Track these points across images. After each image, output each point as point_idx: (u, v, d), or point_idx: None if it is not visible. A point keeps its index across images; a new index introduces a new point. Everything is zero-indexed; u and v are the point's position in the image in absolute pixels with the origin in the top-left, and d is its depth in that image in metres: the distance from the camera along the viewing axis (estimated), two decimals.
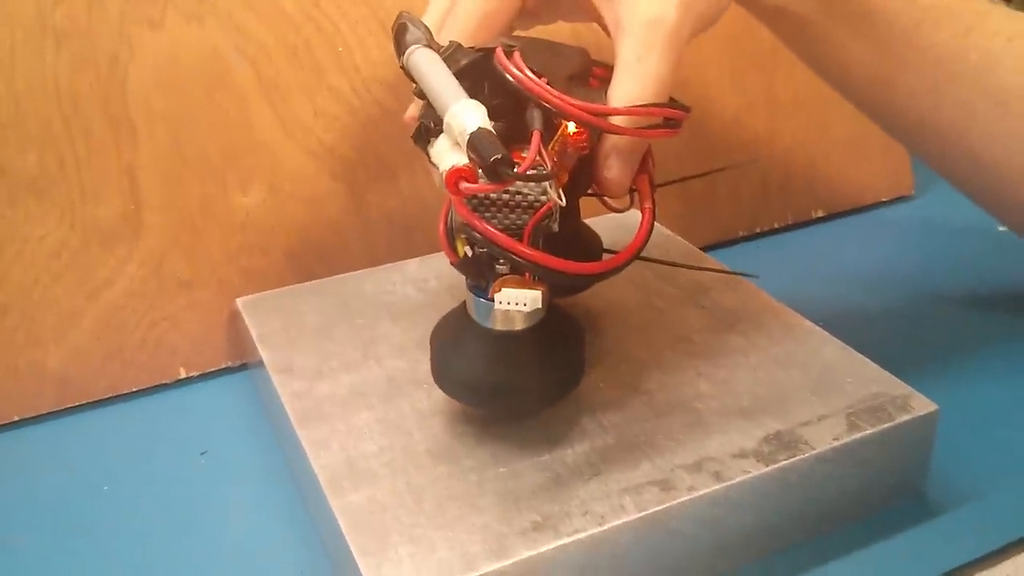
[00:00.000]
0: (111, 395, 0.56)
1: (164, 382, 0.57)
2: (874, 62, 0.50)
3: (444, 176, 0.36)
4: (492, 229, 0.37)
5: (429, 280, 0.57)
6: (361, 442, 0.43)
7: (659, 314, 0.52)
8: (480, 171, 0.35)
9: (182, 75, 0.54)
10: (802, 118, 0.72)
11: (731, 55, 0.69)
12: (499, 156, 0.34)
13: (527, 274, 0.39)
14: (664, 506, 0.39)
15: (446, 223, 0.41)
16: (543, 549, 0.37)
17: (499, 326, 0.41)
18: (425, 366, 0.43)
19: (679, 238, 0.60)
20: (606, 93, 0.40)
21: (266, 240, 0.58)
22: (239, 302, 0.55)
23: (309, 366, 0.49)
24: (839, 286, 0.64)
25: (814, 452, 0.41)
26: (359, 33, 0.58)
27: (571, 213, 0.46)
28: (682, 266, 0.55)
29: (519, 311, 0.39)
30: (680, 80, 0.40)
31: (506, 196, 0.37)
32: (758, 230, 0.72)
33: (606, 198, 0.44)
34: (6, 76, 0.51)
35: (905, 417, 0.43)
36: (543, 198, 0.37)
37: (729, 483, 0.40)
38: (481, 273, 0.40)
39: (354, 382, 0.47)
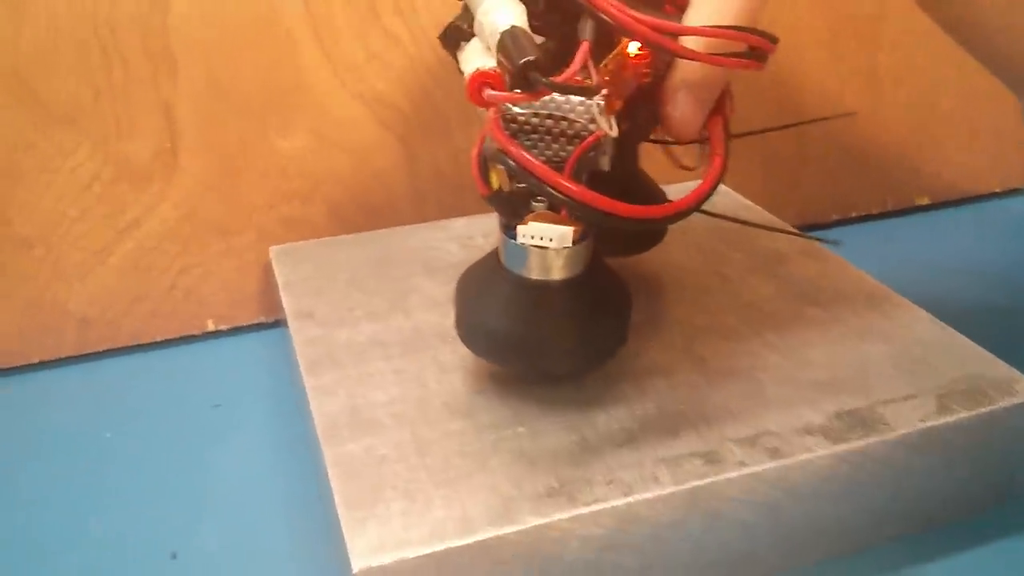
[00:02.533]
0: (133, 343, 0.52)
1: (191, 333, 0.53)
2: None
3: (467, 82, 0.31)
4: (528, 156, 0.32)
5: (475, 237, 0.52)
6: (371, 391, 0.38)
7: (725, 281, 0.46)
8: (508, 76, 0.30)
9: (228, 8, 0.51)
10: (907, 95, 0.65)
11: (829, 20, 0.62)
12: (530, 59, 0.29)
13: (564, 212, 0.33)
14: (706, 481, 0.33)
15: (480, 149, 0.36)
16: (555, 518, 0.31)
17: (533, 274, 0.36)
18: None
19: (759, 208, 0.54)
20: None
21: (308, 188, 0.54)
22: (272, 250, 0.51)
23: (330, 314, 0.44)
24: (941, 279, 0.57)
25: (895, 434, 0.35)
26: None
27: (627, 155, 0.41)
28: (751, 224, 0.48)
29: (548, 248, 0.33)
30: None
31: (549, 122, 0.32)
32: (853, 214, 0.65)
33: (671, 149, 0.39)
34: (47, 1, 0.48)
35: (1008, 402, 0.36)
36: (591, 127, 0.32)
37: (788, 461, 0.34)
38: (515, 211, 0.35)
39: (375, 331, 0.43)
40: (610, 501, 0.32)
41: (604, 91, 0.32)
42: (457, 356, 0.40)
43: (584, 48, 0.31)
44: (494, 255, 0.38)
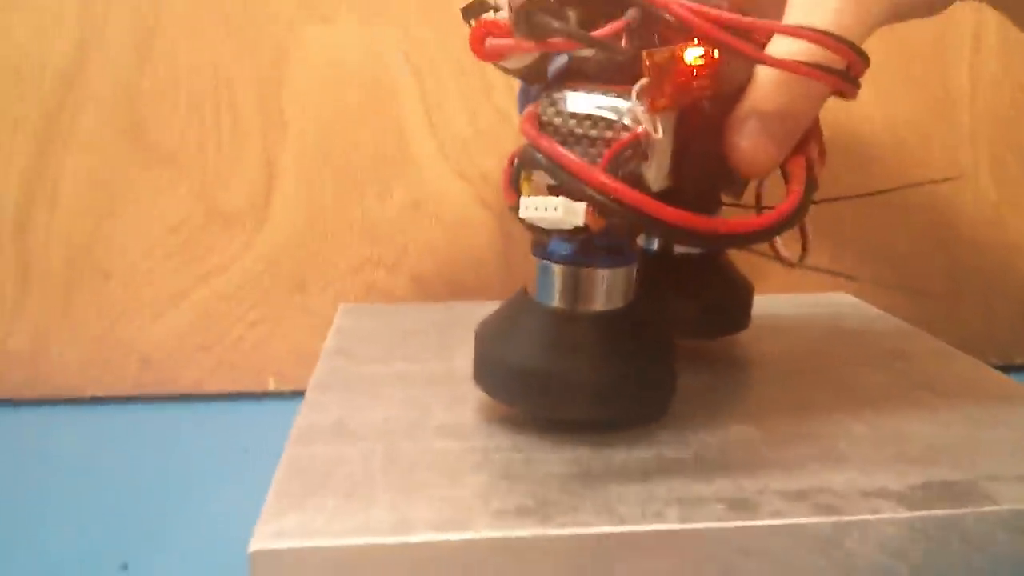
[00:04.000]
0: (190, 392, 0.50)
1: (250, 390, 0.50)
2: None
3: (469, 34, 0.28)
4: (561, 149, 0.28)
5: None
6: (367, 411, 0.33)
7: (826, 367, 0.39)
8: (511, 16, 0.27)
9: (344, 76, 0.51)
10: None
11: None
12: None
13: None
14: (724, 525, 0.25)
15: (513, 160, 0.32)
16: (511, 534, 0.25)
17: (561, 303, 0.31)
18: None
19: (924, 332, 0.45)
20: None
21: (395, 256, 0.52)
22: (341, 306, 0.48)
23: (367, 354, 0.40)
24: None
25: (997, 509, 0.26)
26: None
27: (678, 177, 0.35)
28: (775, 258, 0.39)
29: (549, 221, 0.28)
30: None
31: (587, 123, 0.28)
32: (1018, 361, 0.55)
33: (778, 246, 0.33)
34: (169, 52, 0.50)
35: None
36: (627, 122, 0.27)
37: (842, 519, 0.25)
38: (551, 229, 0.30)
39: (406, 369, 0.38)
40: (592, 527, 0.25)
41: (644, 80, 0.27)
42: (482, 396, 0.35)
43: (620, 23, 0.27)
44: (521, 291, 0.33)
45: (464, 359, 0.37)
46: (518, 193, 0.30)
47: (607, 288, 0.31)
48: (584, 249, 0.31)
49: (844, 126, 0.53)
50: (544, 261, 0.31)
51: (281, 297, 0.51)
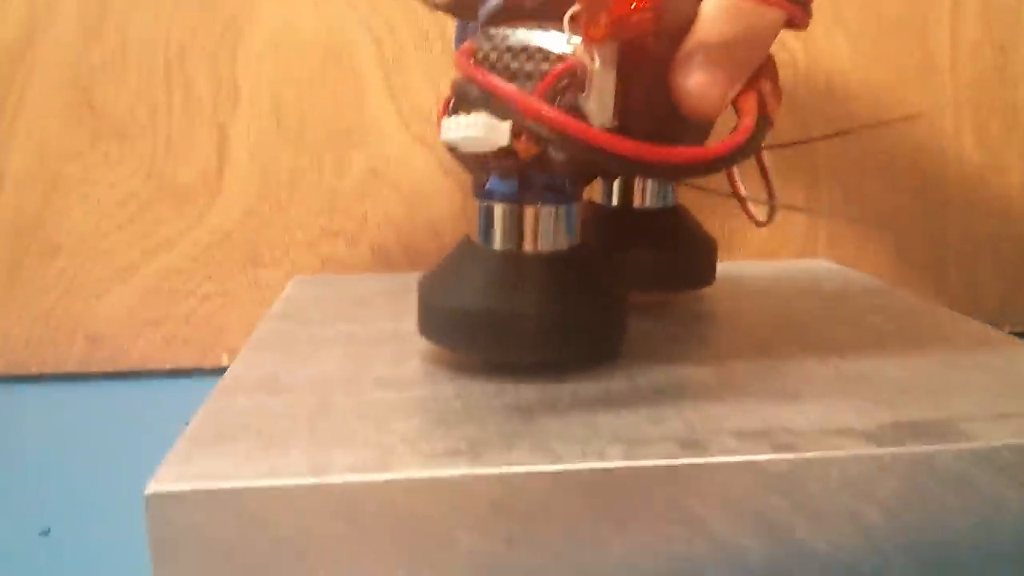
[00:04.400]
0: (138, 368, 0.48)
1: (201, 367, 0.48)
2: None
3: None
4: (495, 78, 0.26)
5: None
6: (303, 367, 0.31)
7: (797, 324, 0.37)
8: None
9: (299, 43, 0.49)
10: None
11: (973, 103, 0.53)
12: None
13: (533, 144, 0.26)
14: (672, 462, 0.23)
15: (448, 102, 0.30)
16: (435, 474, 0.22)
17: (505, 244, 0.29)
18: None
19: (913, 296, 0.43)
20: None
21: (355, 228, 0.49)
22: (293, 279, 0.46)
23: (312, 317, 0.38)
24: None
25: (975, 446, 0.24)
26: None
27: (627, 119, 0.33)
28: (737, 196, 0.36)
29: (472, 142, 0.26)
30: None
31: (523, 57, 0.26)
32: (1006, 330, 0.53)
33: (746, 202, 0.32)
34: (119, 19, 0.48)
35: None
36: (563, 52, 0.26)
37: (802, 455, 0.23)
38: (480, 162, 0.28)
39: (350, 330, 0.36)
40: (526, 465, 0.23)
41: (575, 8, 0.25)
42: (427, 348, 0.33)
43: None
44: (464, 238, 0.31)
45: (415, 320, 0.35)
46: None
47: (551, 227, 0.29)
48: (524, 186, 0.29)
49: (823, 94, 0.51)
50: (485, 202, 0.30)
51: (234, 271, 0.49)
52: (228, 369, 0.31)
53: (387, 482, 0.22)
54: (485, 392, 0.28)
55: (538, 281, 0.29)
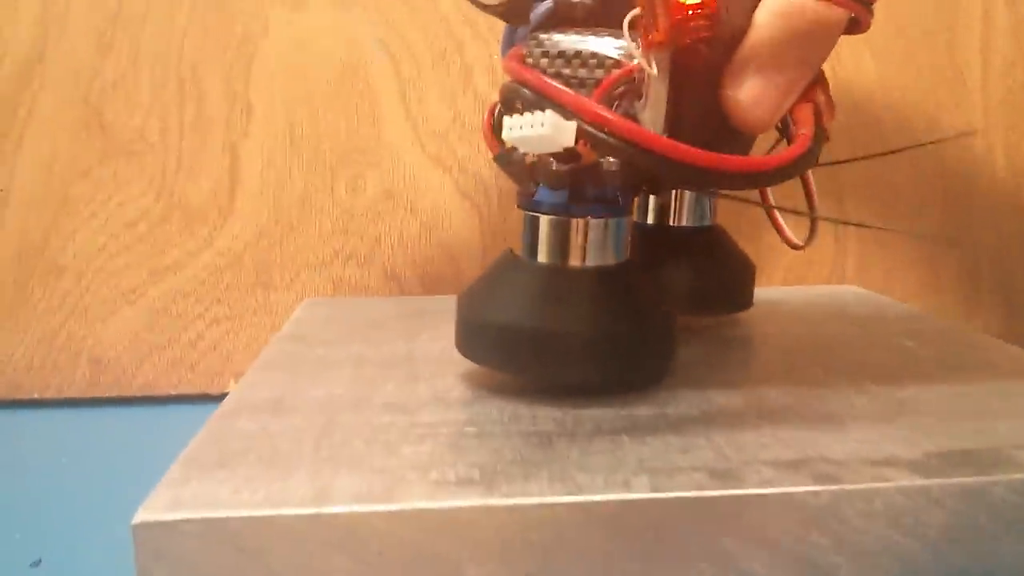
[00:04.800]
0: (143, 394, 0.46)
1: (208, 393, 0.47)
2: None
3: None
4: (548, 79, 0.25)
5: None
6: (310, 388, 0.30)
7: (829, 343, 0.35)
8: None
9: (314, 60, 0.48)
10: None
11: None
12: None
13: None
14: (703, 494, 0.21)
15: (494, 108, 0.29)
16: (445, 505, 0.21)
17: (551, 257, 0.28)
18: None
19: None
20: None
21: (367, 249, 0.48)
22: (305, 301, 0.44)
23: (322, 337, 0.36)
24: None
25: None
26: None
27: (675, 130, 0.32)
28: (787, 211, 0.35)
29: (536, 141, 0.25)
30: None
31: (576, 63, 0.25)
32: None
33: (782, 226, 0.31)
34: (132, 33, 0.47)
35: None
36: (619, 57, 0.25)
37: (843, 487, 0.21)
38: (532, 170, 0.27)
39: (360, 351, 0.34)
40: (544, 497, 0.21)
41: (636, 10, 0.24)
42: (441, 371, 0.31)
43: None
44: (507, 252, 0.29)
45: (429, 342, 0.33)
46: (501, 142, 0.27)
47: (599, 241, 0.28)
48: (575, 197, 0.27)
49: (849, 113, 0.50)
50: (531, 213, 0.28)
51: (243, 294, 0.47)
52: (232, 391, 0.29)
53: (393, 513, 0.20)
54: (500, 421, 0.26)
55: (587, 297, 0.27)
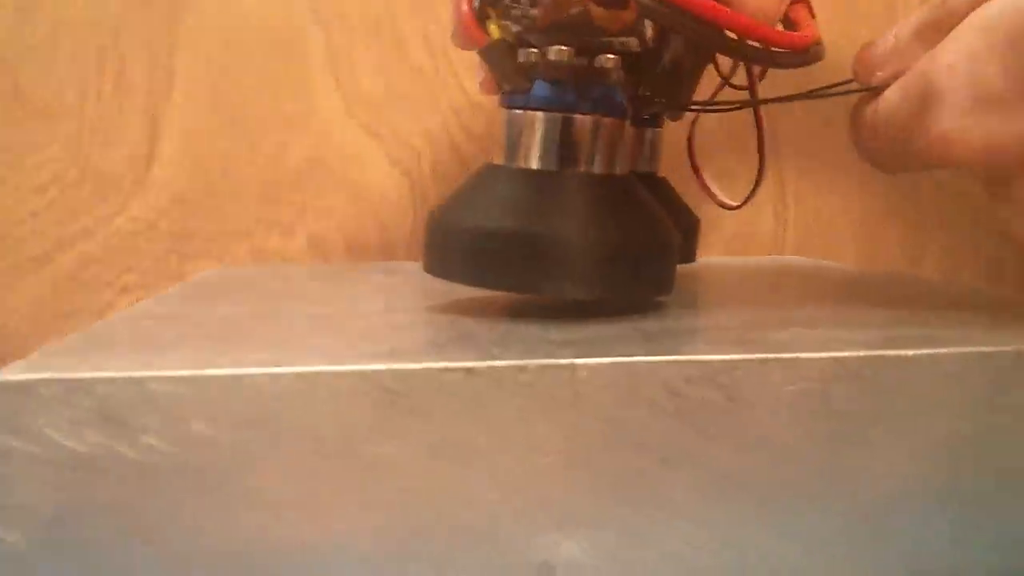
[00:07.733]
0: None
1: None
2: None
3: None
4: None
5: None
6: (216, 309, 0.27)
7: (774, 292, 0.33)
8: None
9: (242, 27, 0.46)
10: None
11: None
12: None
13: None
14: (636, 359, 0.19)
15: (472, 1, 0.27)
16: (344, 367, 0.18)
17: (543, 162, 0.25)
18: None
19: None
20: None
21: (291, 218, 0.46)
22: (210, 271, 0.42)
23: (229, 298, 0.34)
24: None
25: (983, 349, 0.20)
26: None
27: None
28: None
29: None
30: None
31: None
32: None
33: (713, 191, 0.32)
34: (52, 3, 0.45)
35: None
36: None
37: (777, 356, 0.20)
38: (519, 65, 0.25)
39: (278, 308, 0.32)
40: (460, 361, 0.19)
41: None
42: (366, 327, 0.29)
43: None
44: (486, 165, 0.26)
45: (348, 305, 0.31)
46: (487, 34, 0.26)
47: (603, 142, 0.25)
48: (581, 95, 0.25)
49: None
50: (518, 111, 0.25)
51: (156, 262, 0.45)
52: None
53: (274, 376, 0.18)
54: (427, 333, 0.24)
55: (588, 203, 0.24)
